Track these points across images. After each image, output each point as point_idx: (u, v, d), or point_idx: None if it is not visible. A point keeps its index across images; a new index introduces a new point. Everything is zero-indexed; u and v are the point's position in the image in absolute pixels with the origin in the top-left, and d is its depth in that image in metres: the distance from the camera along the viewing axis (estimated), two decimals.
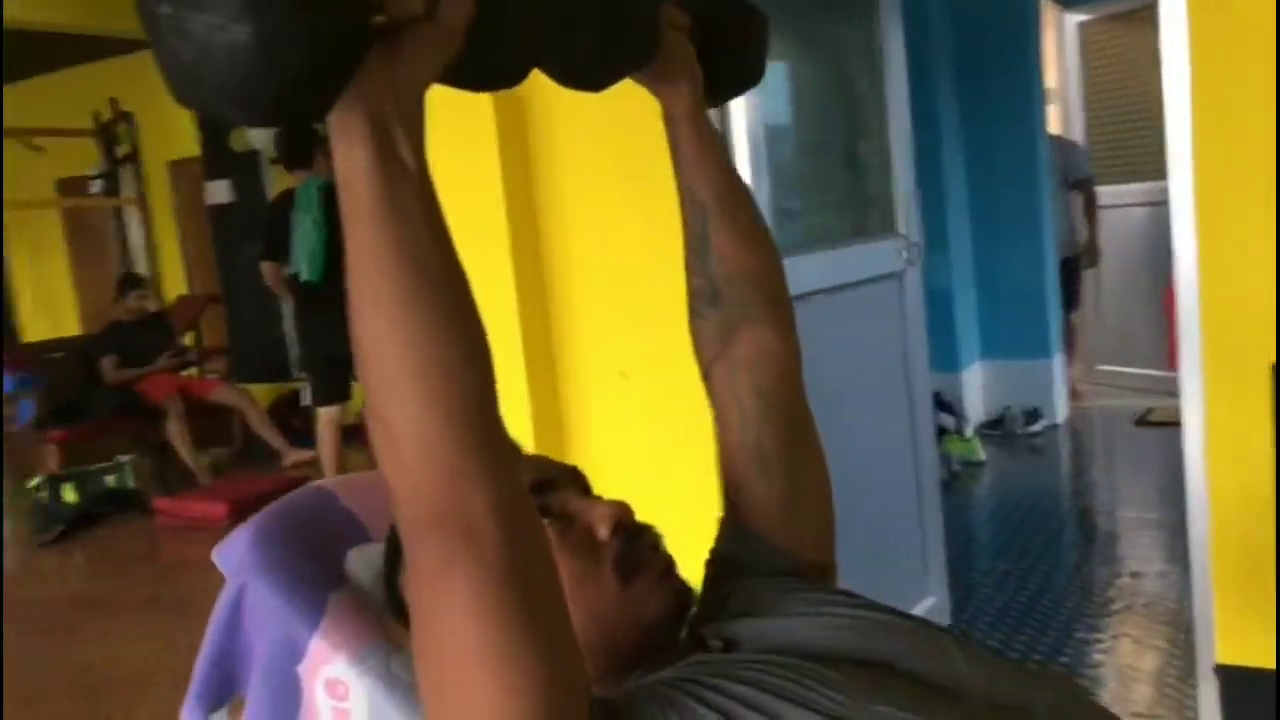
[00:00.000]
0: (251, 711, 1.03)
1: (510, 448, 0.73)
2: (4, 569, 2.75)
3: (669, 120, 1.03)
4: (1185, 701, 2.37)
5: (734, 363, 1.03)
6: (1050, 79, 5.54)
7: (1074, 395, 5.43)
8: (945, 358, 5.13)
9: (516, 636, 0.70)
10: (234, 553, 1.04)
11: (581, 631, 0.84)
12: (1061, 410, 5.19)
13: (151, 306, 6.44)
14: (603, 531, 0.90)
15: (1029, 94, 5.08)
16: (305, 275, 4.34)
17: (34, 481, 5.26)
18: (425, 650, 0.72)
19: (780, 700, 0.76)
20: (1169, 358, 4.34)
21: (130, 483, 5.44)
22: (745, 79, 1.12)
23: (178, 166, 7.69)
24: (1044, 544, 3.62)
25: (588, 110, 2.21)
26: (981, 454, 4.65)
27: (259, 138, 6.48)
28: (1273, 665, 1.95)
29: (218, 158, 6.83)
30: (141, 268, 7.68)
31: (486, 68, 0.78)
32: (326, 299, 4.18)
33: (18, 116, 7.89)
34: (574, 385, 2.50)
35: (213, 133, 6.72)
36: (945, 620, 2.94)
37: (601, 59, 0.91)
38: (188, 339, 6.84)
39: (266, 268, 4.64)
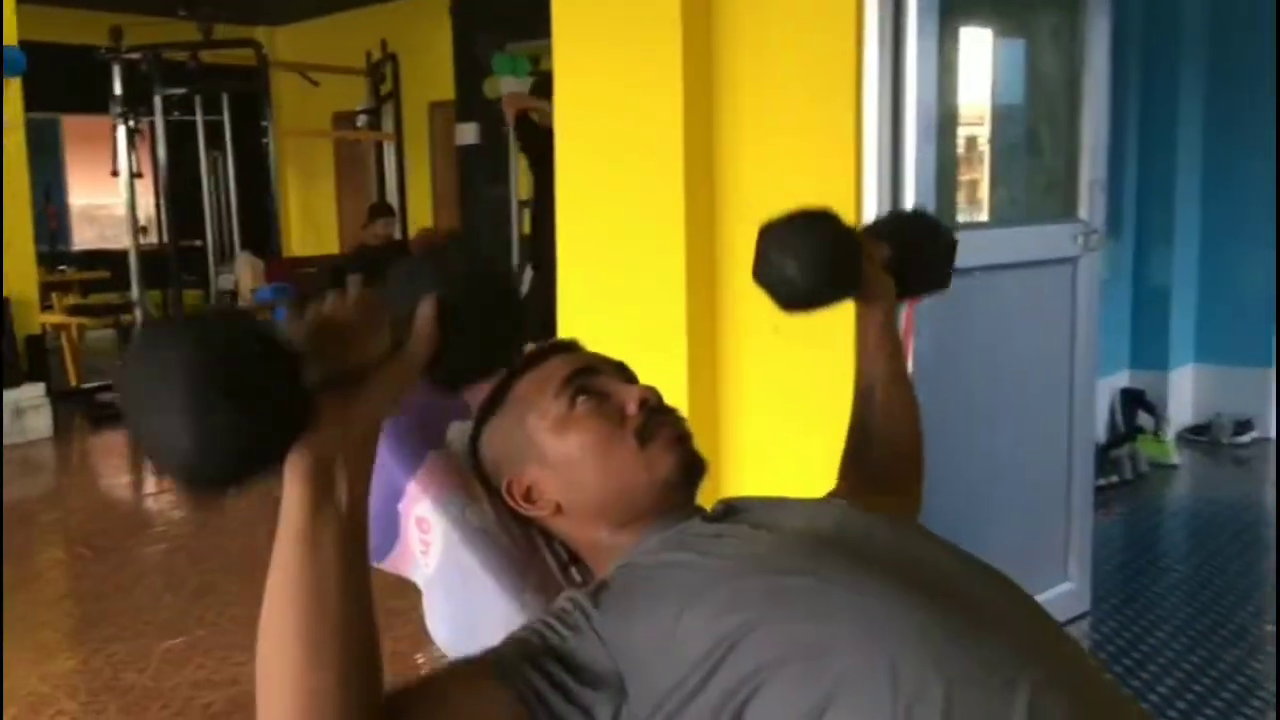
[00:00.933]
0: None
1: None
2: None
3: (861, 325, 1.33)
4: None
5: (869, 480, 1.33)
6: None
7: None
8: (1153, 355, 4.98)
9: None
10: None
11: (605, 486, 1.07)
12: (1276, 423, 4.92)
13: (396, 235, 7.03)
14: (631, 407, 1.09)
15: None
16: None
17: None
18: None
19: (705, 556, 0.96)
20: None
21: None
22: (934, 288, 1.43)
23: (436, 108, 8.27)
24: (1210, 554, 3.52)
25: (774, 52, 2.36)
26: (1175, 457, 4.51)
27: (508, 85, 6.90)
28: None
29: (469, 102, 7.31)
30: (393, 199, 8.35)
31: (448, 381, 0.91)
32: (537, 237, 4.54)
33: (301, 53, 8.71)
34: (731, 336, 2.59)
35: (466, 78, 7.20)
36: (1082, 607, 2.95)
37: (814, 296, 1.25)
38: None
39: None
